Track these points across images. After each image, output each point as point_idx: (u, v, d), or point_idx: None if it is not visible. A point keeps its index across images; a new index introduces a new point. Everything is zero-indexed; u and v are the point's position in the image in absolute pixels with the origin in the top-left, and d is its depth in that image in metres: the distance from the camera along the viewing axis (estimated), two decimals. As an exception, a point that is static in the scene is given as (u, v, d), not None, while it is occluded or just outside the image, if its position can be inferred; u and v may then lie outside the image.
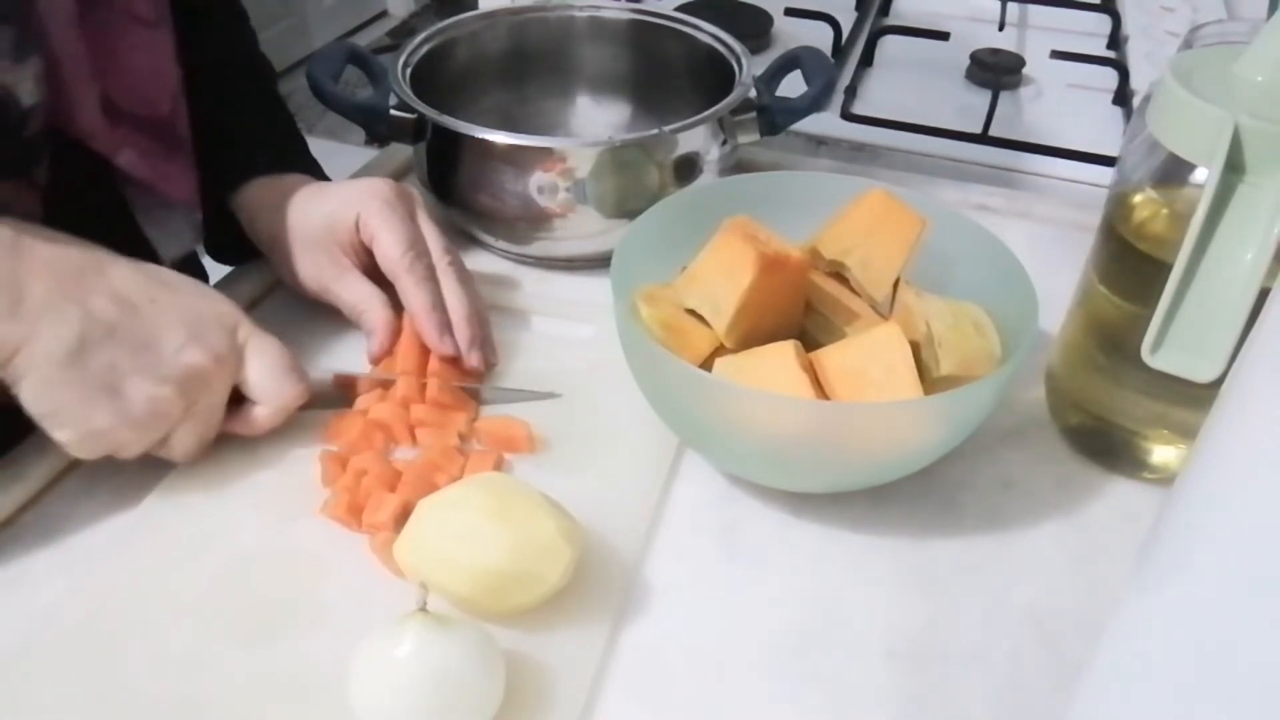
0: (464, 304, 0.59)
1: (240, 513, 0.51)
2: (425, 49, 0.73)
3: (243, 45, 0.69)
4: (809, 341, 0.53)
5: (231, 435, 0.53)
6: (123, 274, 0.48)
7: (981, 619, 0.48)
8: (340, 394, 0.56)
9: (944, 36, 0.97)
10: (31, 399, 0.46)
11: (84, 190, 0.53)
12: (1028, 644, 0.47)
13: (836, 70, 0.95)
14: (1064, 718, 0.37)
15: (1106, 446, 0.55)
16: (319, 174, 0.66)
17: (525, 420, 0.56)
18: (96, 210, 0.54)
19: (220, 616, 0.46)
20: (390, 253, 0.58)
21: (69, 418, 0.46)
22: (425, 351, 0.58)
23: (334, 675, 0.42)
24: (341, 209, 0.59)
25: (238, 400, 0.52)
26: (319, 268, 0.60)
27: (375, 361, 0.58)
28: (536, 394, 0.58)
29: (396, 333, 0.58)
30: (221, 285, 0.65)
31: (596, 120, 0.82)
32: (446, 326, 0.58)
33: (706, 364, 0.52)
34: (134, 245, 0.63)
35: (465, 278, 0.60)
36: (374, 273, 0.60)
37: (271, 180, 0.63)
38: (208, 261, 0.73)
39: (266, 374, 0.52)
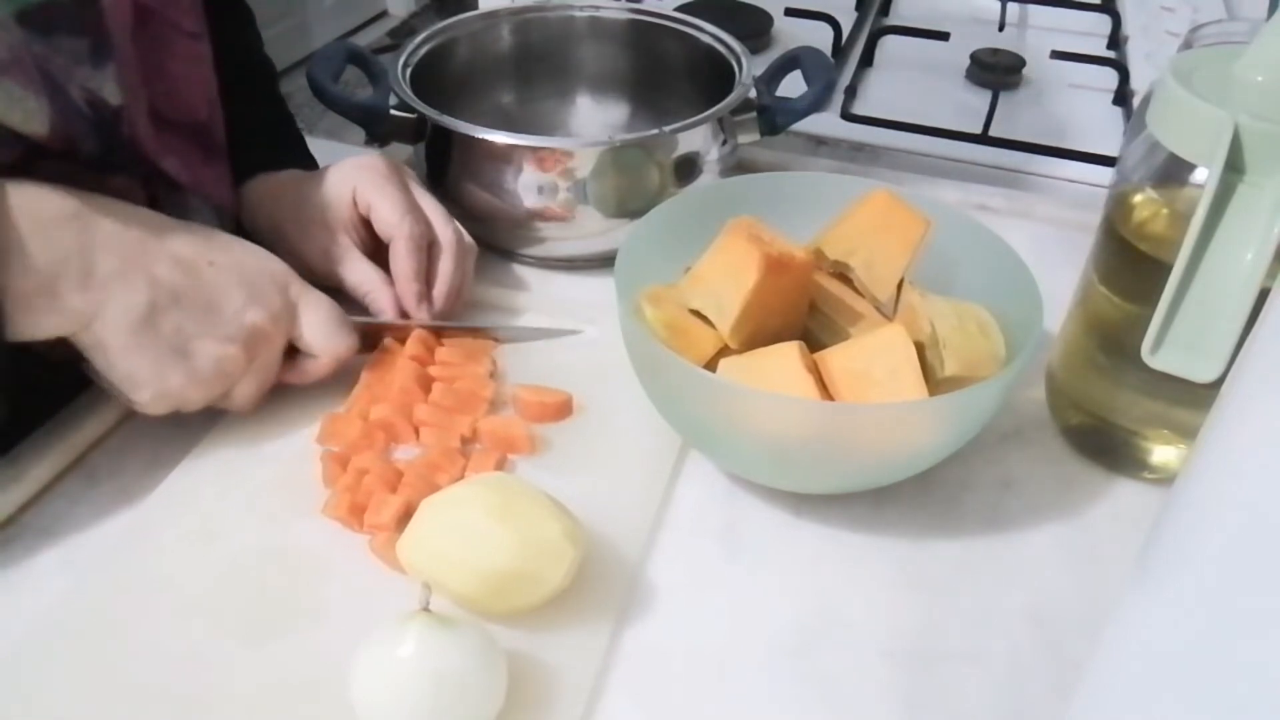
0: (448, 280, 0.61)
1: (241, 512, 0.51)
2: (425, 49, 0.73)
3: (245, 47, 0.69)
4: (813, 342, 0.53)
5: (286, 385, 0.55)
6: (181, 240, 0.50)
7: (981, 619, 0.48)
8: (365, 340, 0.58)
9: (944, 36, 0.97)
10: (107, 364, 0.48)
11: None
12: (1028, 644, 0.47)
13: (836, 70, 0.95)
14: (1064, 718, 0.37)
15: (1106, 446, 0.55)
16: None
17: (526, 421, 0.56)
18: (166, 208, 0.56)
19: (222, 616, 0.46)
20: (388, 218, 0.59)
21: (144, 379, 0.49)
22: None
23: (335, 675, 0.42)
24: (337, 184, 0.61)
25: (291, 353, 0.55)
26: (322, 250, 0.61)
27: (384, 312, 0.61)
28: (556, 331, 0.61)
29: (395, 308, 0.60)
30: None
31: (596, 120, 0.82)
32: (424, 297, 0.60)
33: (710, 365, 0.52)
34: None
35: (462, 251, 0.62)
36: (375, 252, 0.61)
37: (268, 176, 0.64)
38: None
39: (319, 328, 0.55)
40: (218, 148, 0.59)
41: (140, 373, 0.49)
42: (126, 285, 0.47)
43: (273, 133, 0.69)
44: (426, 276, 0.60)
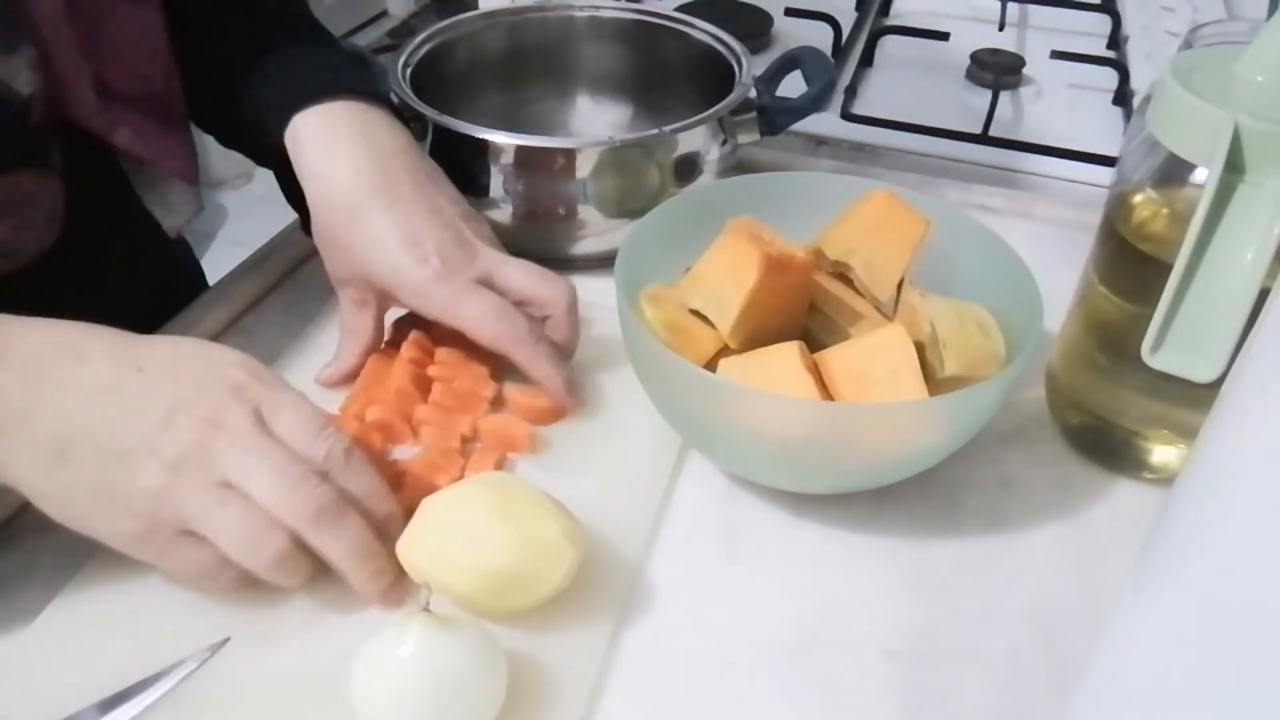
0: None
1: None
2: (425, 49, 0.73)
3: None
4: (813, 342, 0.53)
5: None
6: (102, 356, 0.43)
7: (981, 619, 0.48)
8: None
9: (944, 36, 0.97)
10: (57, 518, 0.43)
11: (92, 170, 0.53)
12: (1028, 644, 0.47)
13: (836, 70, 0.95)
14: (1064, 718, 0.37)
15: (1106, 446, 0.55)
16: (369, 88, 0.59)
17: (526, 421, 0.56)
18: (107, 188, 0.54)
19: (221, 616, 0.46)
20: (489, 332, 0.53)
21: (95, 530, 0.43)
22: (382, 391, 0.56)
23: (335, 674, 0.42)
24: (388, 273, 0.53)
25: None
26: (341, 281, 0.57)
27: (319, 382, 0.57)
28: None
29: (352, 376, 0.57)
30: (222, 285, 0.65)
31: (596, 120, 0.82)
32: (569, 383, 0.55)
33: (710, 365, 0.52)
34: (142, 220, 0.63)
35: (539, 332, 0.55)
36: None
37: (320, 112, 0.55)
38: (210, 259, 0.73)
39: (294, 431, 0.44)
40: (177, 118, 0.56)
41: (85, 523, 0.43)
42: (30, 425, 0.41)
43: (343, 60, 0.61)
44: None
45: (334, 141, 0.55)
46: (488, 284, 0.54)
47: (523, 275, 0.55)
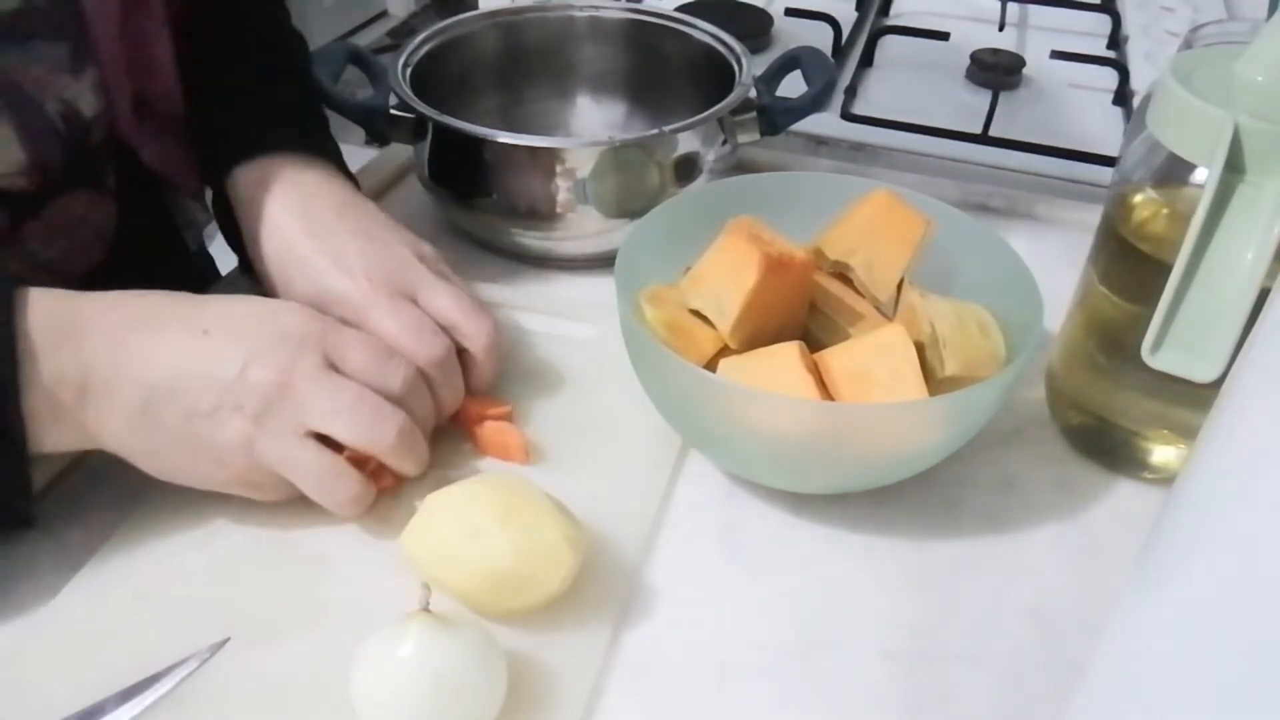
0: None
1: (241, 511, 0.51)
2: (425, 49, 0.73)
3: (274, 19, 0.66)
4: (813, 342, 0.53)
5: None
6: (173, 321, 0.47)
7: (981, 619, 0.48)
8: None
9: (944, 36, 0.97)
10: (150, 471, 0.47)
11: (136, 190, 0.54)
12: (1028, 644, 0.47)
13: (836, 70, 0.95)
14: (1064, 718, 0.37)
15: (1106, 446, 0.55)
16: (315, 141, 0.60)
17: (522, 430, 0.55)
18: (148, 207, 0.54)
19: (221, 615, 0.46)
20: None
21: (185, 478, 0.47)
22: None
23: (335, 674, 0.42)
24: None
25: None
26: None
27: None
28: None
29: None
30: (224, 284, 0.65)
31: (596, 120, 0.82)
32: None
33: (711, 365, 0.52)
34: (174, 237, 0.65)
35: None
36: None
37: (285, 158, 0.57)
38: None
39: (367, 367, 0.48)
40: (189, 137, 0.57)
41: (177, 474, 0.47)
42: (117, 394, 0.45)
43: (298, 111, 0.64)
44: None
45: (270, 191, 0.56)
46: (414, 302, 0.54)
47: (449, 302, 0.54)
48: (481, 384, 0.55)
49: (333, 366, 0.47)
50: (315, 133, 0.62)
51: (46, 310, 0.44)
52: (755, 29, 1.00)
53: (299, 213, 0.55)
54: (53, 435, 0.45)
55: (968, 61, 0.97)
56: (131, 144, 0.52)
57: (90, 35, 0.48)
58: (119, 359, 0.45)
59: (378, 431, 0.47)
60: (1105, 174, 0.78)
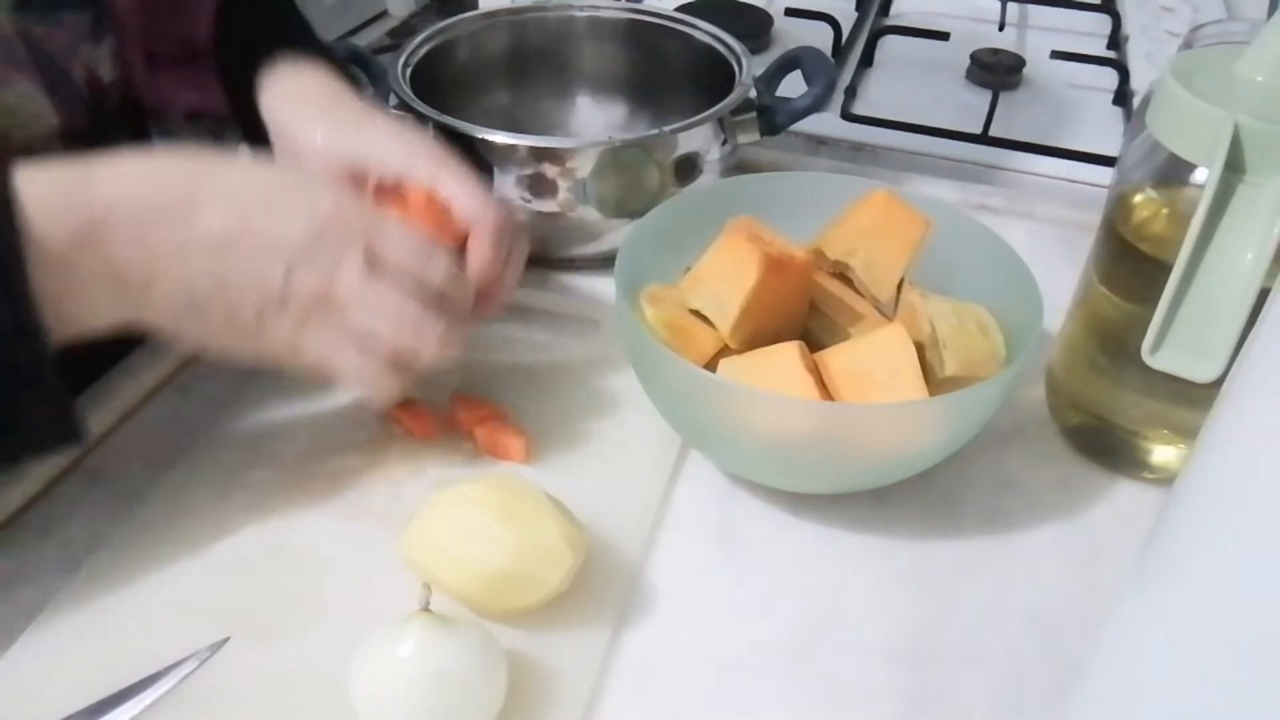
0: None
1: (241, 511, 0.51)
2: (425, 49, 0.73)
3: None
4: (813, 342, 0.53)
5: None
6: (208, 218, 0.44)
7: (981, 619, 0.48)
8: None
9: (944, 36, 0.97)
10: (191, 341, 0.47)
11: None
12: (1027, 644, 0.47)
13: (836, 70, 0.95)
14: (1064, 718, 0.37)
15: (1106, 446, 0.55)
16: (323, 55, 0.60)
17: (521, 431, 0.55)
18: None
19: (221, 615, 0.46)
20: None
21: (229, 355, 0.47)
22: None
23: (335, 674, 0.42)
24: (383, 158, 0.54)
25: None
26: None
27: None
28: None
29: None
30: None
31: (596, 120, 0.82)
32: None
33: (711, 365, 0.52)
34: None
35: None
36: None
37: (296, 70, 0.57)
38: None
39: (402, 250, 0.47)
40: (208, 53, 0.58)
41: (227, 354, 0.47)
42: (156, 289, 0.44)
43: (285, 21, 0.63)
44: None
45: (301, 86, 0.56)
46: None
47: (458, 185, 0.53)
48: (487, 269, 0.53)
49: (373, 263, 0.46)
50: (325, 46, 0.64)
51: (55, 202, 0.41)
52: (755, 29, 1.00)
53: (331, 96, 0.56)
54: (104, 317, 0.44)
55: (968, 61, 0.97)
56: (149, 101, 0.53)
57: (111, 6, 0.50)
58: (150, 265, 0.43)
59: (419, 341, 0.48)
60: (1105, 174, 0.78)
